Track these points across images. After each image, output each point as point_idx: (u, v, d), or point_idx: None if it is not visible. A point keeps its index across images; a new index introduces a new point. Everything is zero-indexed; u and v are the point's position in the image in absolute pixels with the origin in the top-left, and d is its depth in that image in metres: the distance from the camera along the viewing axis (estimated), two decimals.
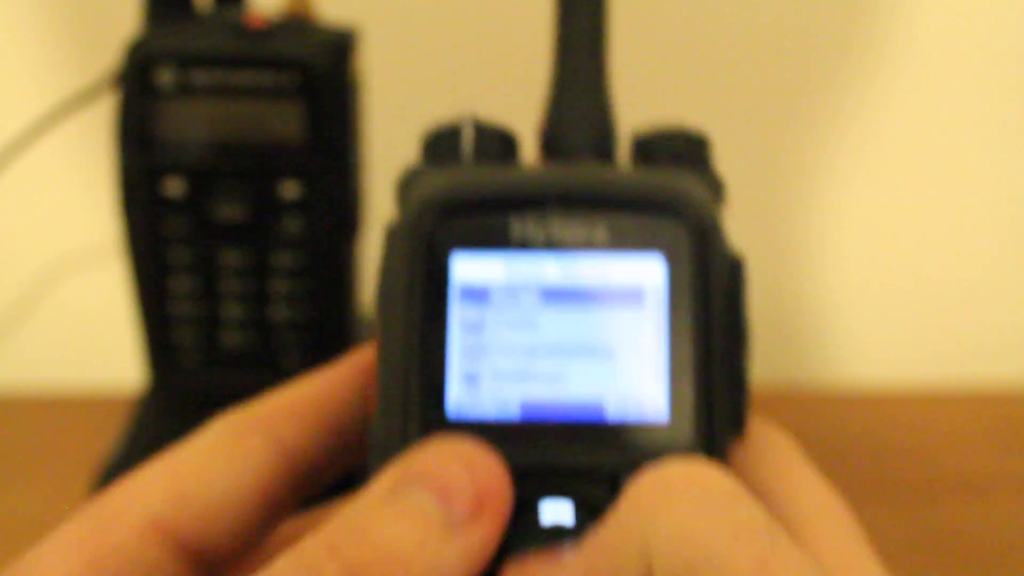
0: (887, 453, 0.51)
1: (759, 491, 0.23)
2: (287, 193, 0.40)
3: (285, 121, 0.40)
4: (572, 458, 0.22)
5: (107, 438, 0.46)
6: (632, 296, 0.23)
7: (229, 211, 0.40)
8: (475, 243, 0.23)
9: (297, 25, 0.41)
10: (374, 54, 0.45)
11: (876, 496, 0.47)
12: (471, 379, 0.23)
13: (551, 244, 0.23)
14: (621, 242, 0.23)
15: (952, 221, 0.61)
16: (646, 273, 0.23)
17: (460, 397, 0.23)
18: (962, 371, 0.61)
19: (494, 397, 0.23)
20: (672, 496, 0.20)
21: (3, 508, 0.47)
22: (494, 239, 0.23)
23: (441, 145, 0.25)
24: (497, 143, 0.25)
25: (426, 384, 0.22)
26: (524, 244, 0.23)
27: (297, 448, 0.25)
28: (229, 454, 0.24)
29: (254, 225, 0.40)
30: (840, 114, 0.58)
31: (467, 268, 0.23)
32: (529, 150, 0.27)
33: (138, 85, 0.39)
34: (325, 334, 0.43)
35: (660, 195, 0.23)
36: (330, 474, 0.26)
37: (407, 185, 0.25)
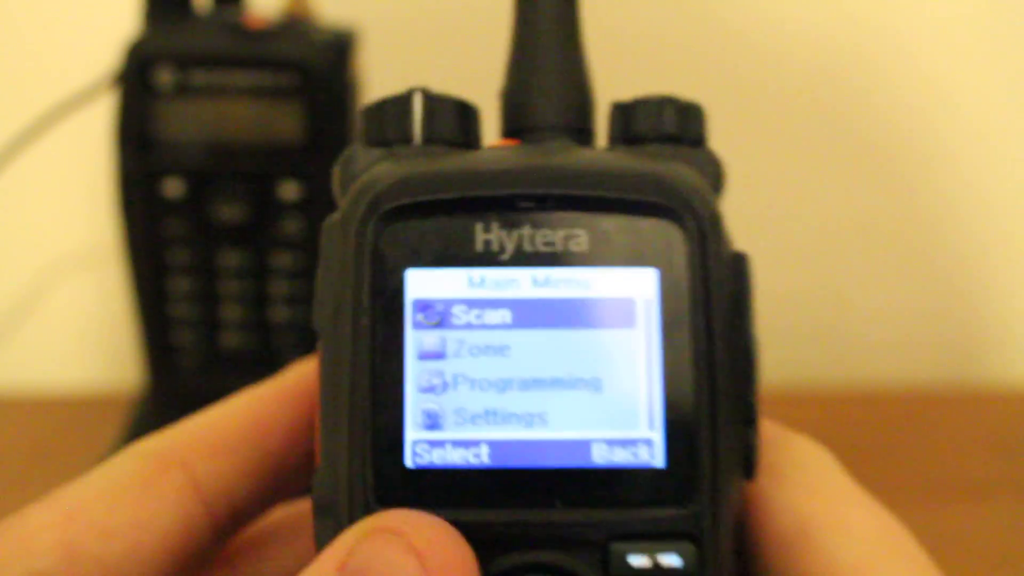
0: (887, 453, 0.51)
1: (793, 521, 0.20)
2: (286, 194, 0.40)
3: (284, 121, 0.40)
4: (552, 518, 0.18)
5: (107, 438, 0.46)
6: (620, 314, 0.19)
7: (228, 212, 0.40)
8: (431, 258, 0.18)
9: (296, 25, 0.41)
10: (374, 54, 0.45)
11: (876, 496, 0.47)
12: (431, 420, 0.19)
13: (522, 257, 0.18)
14: (605, 252, 0.19)
15: (959, 219, 0.60)
16: (635, 287, 0.19)
17: (419, 444, 0.18)
18: (963, 372, 0.61)
19: (459, 441, 0.19)
20: None
21: (3, 509, 0.47)
22: (453, 252, 0.18)
23: (386, 123, 0.20)
24: (452, 119, 0.21)
25: (378, 431, 0.18)
26: (490, 257, 0.18)
27: (216, 489, 0.21)
28: (136, 498, 0.20)
29: (253, 226, 0.40)
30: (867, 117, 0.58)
31: (422, 285, 0.19)
32: (493, 123, 0.22)
33: (137, 85, 0.39)
34: None
35: (649, 191, 0.19)
36: (260, 513, 0.22)
37: (346, 172, 0.20)
